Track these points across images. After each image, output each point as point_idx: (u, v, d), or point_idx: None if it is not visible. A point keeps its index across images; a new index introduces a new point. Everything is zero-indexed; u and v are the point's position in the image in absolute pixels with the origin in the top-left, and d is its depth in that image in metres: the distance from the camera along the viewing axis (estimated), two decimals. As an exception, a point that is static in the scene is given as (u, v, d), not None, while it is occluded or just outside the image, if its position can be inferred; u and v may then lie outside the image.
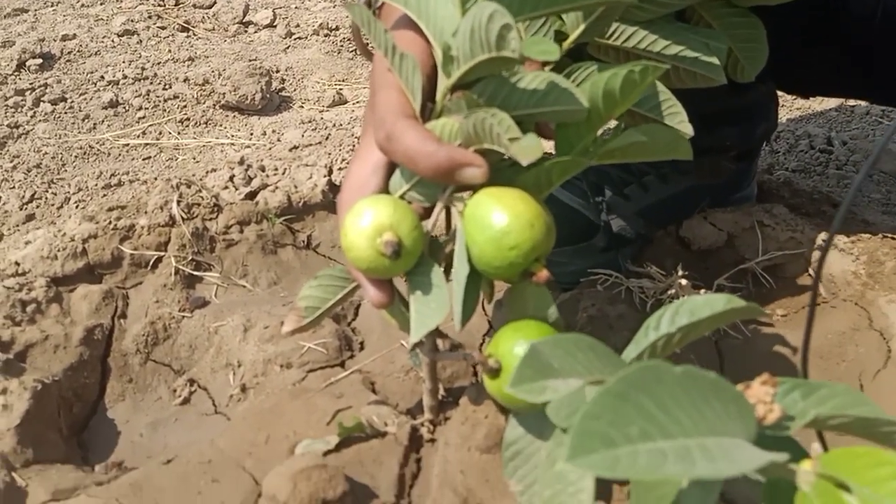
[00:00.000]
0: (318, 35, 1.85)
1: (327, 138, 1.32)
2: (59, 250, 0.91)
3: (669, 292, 0.87)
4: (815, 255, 0.89)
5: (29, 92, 1.46)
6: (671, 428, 0.25)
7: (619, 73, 0.49)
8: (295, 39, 1.84)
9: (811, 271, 0.89)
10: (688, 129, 0.57)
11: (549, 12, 0.51)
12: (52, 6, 2.02)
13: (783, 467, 0.28)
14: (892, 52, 0.57)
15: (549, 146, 0.56)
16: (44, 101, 1.44)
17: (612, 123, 0.58)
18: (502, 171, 0.53)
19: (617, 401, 0.25)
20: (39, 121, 1.39)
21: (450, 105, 0.52)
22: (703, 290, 0.88)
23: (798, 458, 0.29)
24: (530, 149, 0.46)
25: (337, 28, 1.87)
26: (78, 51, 1.68)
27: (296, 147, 1.27)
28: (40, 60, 1.59)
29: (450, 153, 0.50)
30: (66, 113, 1.42)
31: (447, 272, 0.57)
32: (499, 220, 0.50)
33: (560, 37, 0.62)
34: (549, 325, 0.54)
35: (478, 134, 0.49)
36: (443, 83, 0.52)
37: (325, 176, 1.10)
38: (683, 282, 0.86)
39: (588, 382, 0.38)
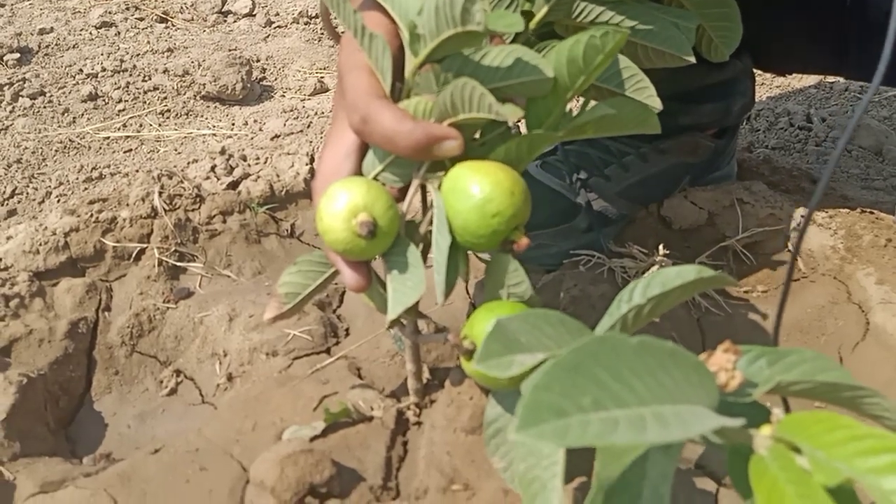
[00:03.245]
0: (297, 23, 1.84)
1: (309, 126, 1.31)
2: (40, 244, 0.90)
3: (652, 270, 0.87)
4: (794, 232, 0.90)
5: (7, 87, 1.45)
6: (626, 397, 0.26)
7: (581, 40, 0.50)
8: (275, 28, 1.82)
9: (790, 247, 0.90)
10: (656, 103, 0.57)
11: None
12: (28, 0, 2.00)
13: (743, 432, 0.29)
14: (863, 26, 0.58)
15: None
16: (22, 96, 1.43)
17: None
18: (474, 150, 0.54)
19: (569, 372, 0.26)
20: (19, 115, 1.37)
21: (419, 81, 0.53)
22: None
23: (761, 423, 0.30)
24: (514, 110, 0.47)
25: (317, 16, 1.86)
26: (56, 44, 1.67)
27: (277, 136, 1.27)
28: (18, 55, 1.58)
29: (426, 129, 0.51)
30: (45, 107, 1.41)
31: (424, 253, 0.57)
32: (481, 189, 0.51)
33: (527, 16, 0.63)
34: (525, 304, 0.55)
35: (455, 105, 0.50)
36: (411, 62, 0.53)
37: (306, 164, 1.10)
38: (665, 260, 0.87)
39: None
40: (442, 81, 0.52)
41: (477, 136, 0.58)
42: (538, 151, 0.55)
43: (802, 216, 0.92)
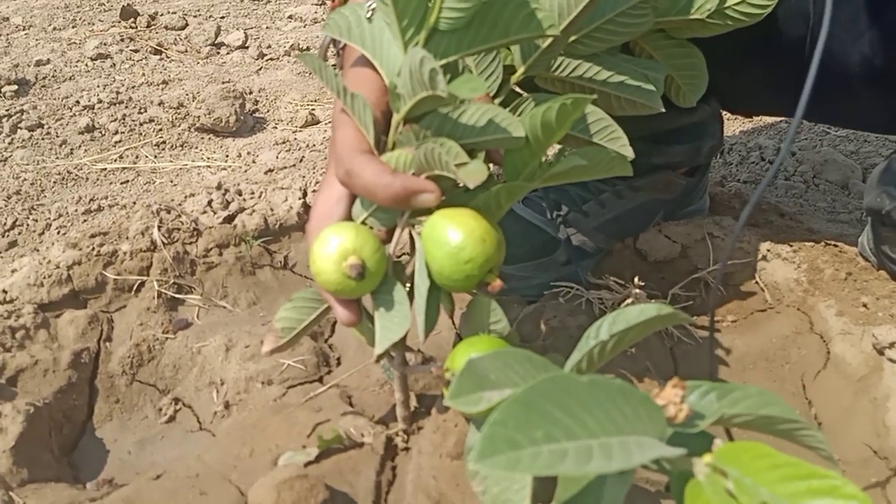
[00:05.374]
0: (289, 56, 1.89)
1: (301, 160, 1.36)
2: (44, 277, 0.94)
3: (627, 302, 0.93)
4: (761, 264, 0.95)
5: (5, 119, 1.49)
6: (577, 430, 0.30)
7: (553, 107, 0.55)
8: (267, 60, 1.88)
9: (758, 279, 0.96)
10: (629, 153, 0.62)
11: (482, 49, 0.56)
12: (23, 30, 2.05)
13: (685, 460, 0.34)
14: (821, 72, 0.64)
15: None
16: (21, 128, 1.47)
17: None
18: (457, 196, 0.59)
19: (522, 408, 0.30)
20: (17, 147, 1.41)
21: (401, 138, 0.58)
22: (653, 300, 0.94)
23: (705, 451, 0.34)
24: (475, 172, 0.52)
25: (308, 49, 1.92)
26: (52, 76, 1.71)
27: (271, 170, 1.32)
28: (15, 87, 1.62)
29: (404, 183, 0.55)
30: (43, 139, 1.45)
31: (410, 291, 0.62)
32: (454, 237, 0.56)
33: (510, 70, 0.68)
34: (503, 339, 0.60)
35: (428, 162, 0.55)
36: (394, 118, 0.58)
37: (300, 199, 1.15)
38: (640, 292, 0.92)
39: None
40: (421, 137, 0.57)
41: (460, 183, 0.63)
42: (515, 199, 0.60)
43: (769, 249, 0.97)
